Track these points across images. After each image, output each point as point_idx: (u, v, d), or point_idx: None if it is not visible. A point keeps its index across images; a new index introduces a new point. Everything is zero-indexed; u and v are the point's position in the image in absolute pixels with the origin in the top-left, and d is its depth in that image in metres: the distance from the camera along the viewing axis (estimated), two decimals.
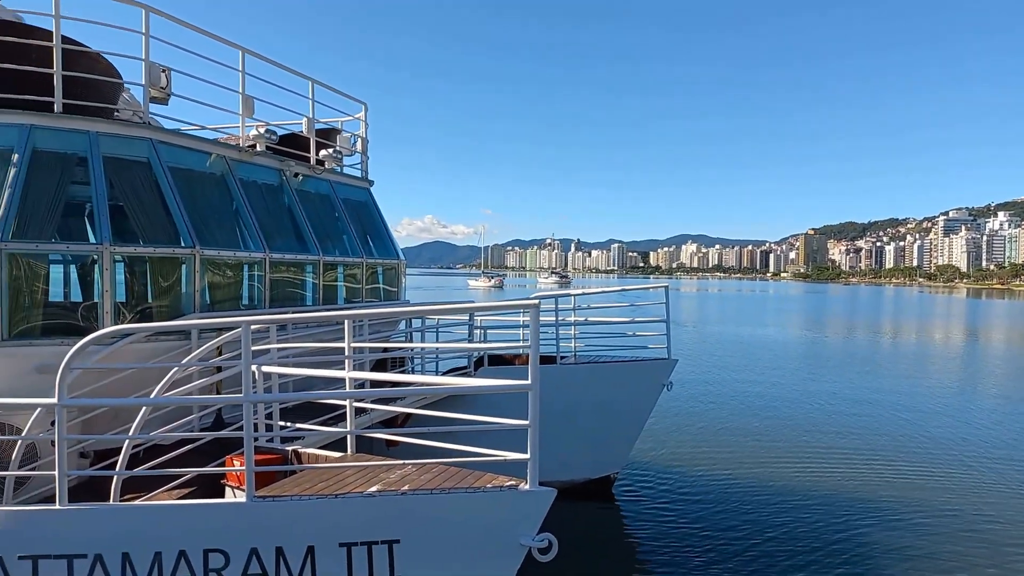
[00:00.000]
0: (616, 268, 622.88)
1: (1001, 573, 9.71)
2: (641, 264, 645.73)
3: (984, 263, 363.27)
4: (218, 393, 7.70)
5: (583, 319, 13.72)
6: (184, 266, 8.33)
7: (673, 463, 14.82)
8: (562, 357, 12.48)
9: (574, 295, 13.51)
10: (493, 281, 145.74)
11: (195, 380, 6.92)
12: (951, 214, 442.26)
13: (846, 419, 19.78)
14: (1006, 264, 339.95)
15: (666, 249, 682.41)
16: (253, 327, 5.65)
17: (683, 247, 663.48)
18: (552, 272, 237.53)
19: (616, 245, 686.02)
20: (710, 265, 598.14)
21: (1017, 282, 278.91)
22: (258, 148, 10.16)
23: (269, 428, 7.31)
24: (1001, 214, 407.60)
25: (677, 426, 18.24)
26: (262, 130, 10.24)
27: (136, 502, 5.51)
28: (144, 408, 5.86)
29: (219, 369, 7.23)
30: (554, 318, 12.49)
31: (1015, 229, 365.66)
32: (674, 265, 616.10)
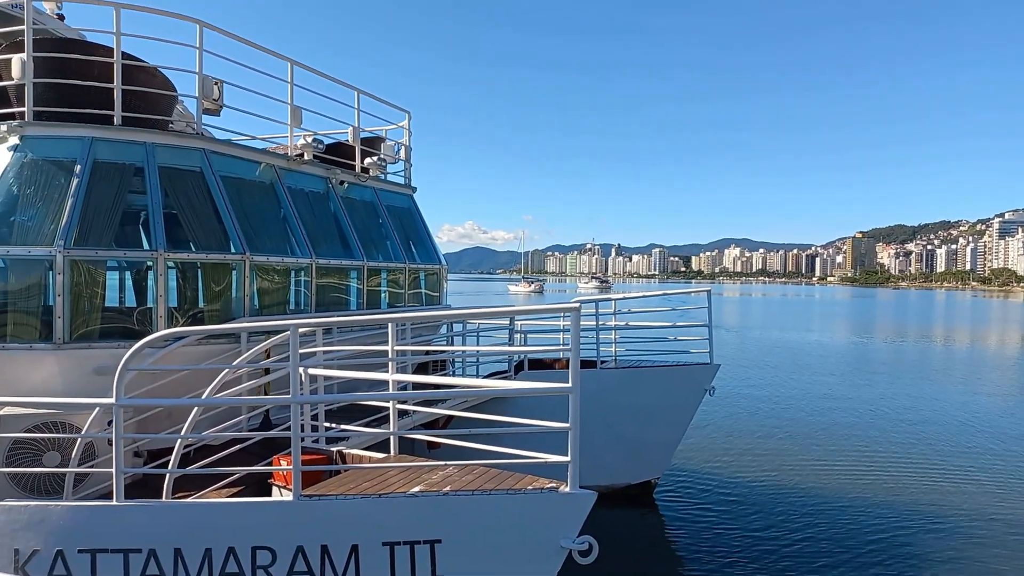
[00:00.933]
0: (657, 273, 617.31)
1: None
2: (683, 269, 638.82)
3: None
4: (266, 395, 7.92)
5: (624, 323, 13.69)
6: (234, 272, 8.59)
7: (715, 469, 14.67)
8: (602, 362, 12.48)
9: (614, 299, 13.48)
10: (533, 286, 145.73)
11: (244, 382, 7.14)
12: (1007, 216, 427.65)
13: (894, 426, 19.31)
14: None
15: (708, 253, 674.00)
16: (300, 330, 5.82)
17: (726, 251, 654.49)
18: (592, 277, 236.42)
19: (657, 250, 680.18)
20: (754, 270, 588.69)
21: None
22: (305, 157, 10.43)
23: (315, 429, 7.50)
24: None
25: (720, 432, 18.03)
26: (309, 139, 10.51)
27: (187, 500, 5.71)
28: (196, 409, 6.07)
29: (267, 371, 7.44)
30: (594, 322, 12.51)
31: None
32: (716, 270, 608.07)
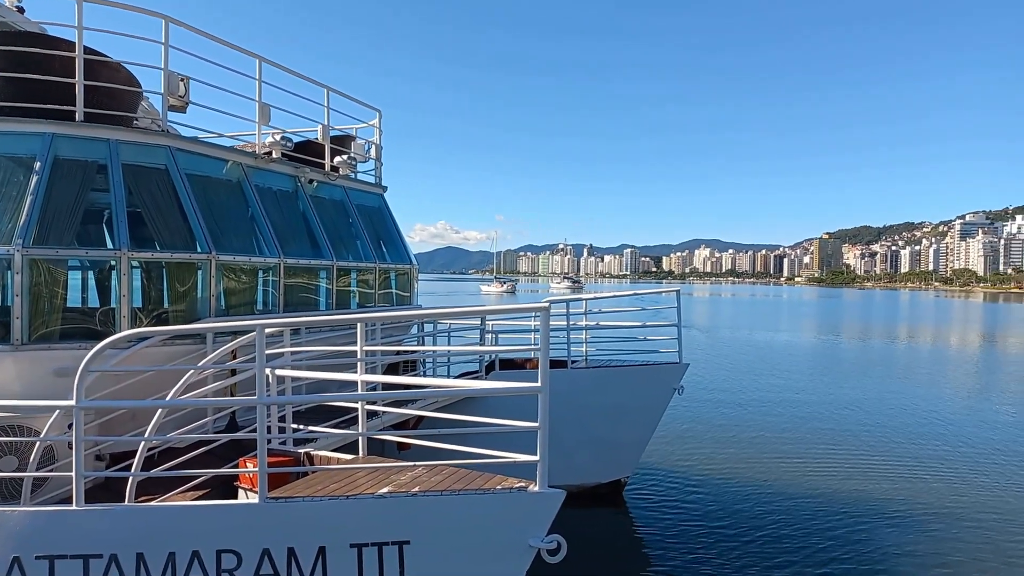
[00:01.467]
0: (629, 273, 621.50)
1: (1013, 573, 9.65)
2: (654, 269, 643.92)
3: (1002, 267, 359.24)
4: (232, 396, 7.81)
5: (594, 323, 13.76)
6: (200, 271, 8.46)
7: (684, 468, 14.81)
8: (573, 361, 12.53)
9: (585, 299, 13.54)
10: (505, 286, 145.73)
11: (210, 383, 7.04)
12: (968, 217, 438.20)
13: (861, 423, 19.67)
14: None
15: (679, 254, 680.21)
16: (267, 330, 5.75)
17: (696, 252, 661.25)
18: (564, 277, 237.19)
19: (629, 250, 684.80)
20: (723, 270, 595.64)
21: None
22: (274, 155, 10.31)
23: (282, 431, 7.42)
24: (1019, 217, 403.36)
25: (689, 430, 18.21)
26: (278, 137, 10.39)
27: (150, 503, 5.61)
28: (159, 411, 5.97)
29: (233, 372, 7.34)
30: (565, 322, 12.55)
31: None
32: (687, 270, 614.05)
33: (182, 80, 9.03)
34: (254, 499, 5.23)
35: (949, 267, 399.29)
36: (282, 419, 7.52)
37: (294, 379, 7.83)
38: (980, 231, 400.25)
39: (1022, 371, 33.89)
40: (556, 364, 12.18)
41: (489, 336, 12.70)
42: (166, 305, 8.45)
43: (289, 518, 5.12)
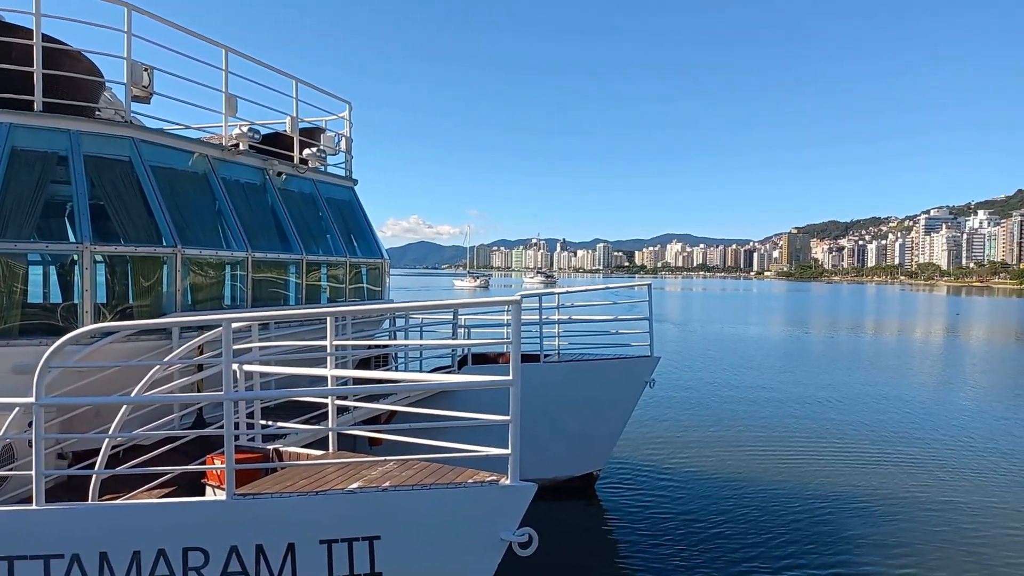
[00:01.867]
0: (602, 268, 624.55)
1: (972, 557, 9.87)
2: (627, 264, 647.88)
3: (964, 261, 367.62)
4: (199, 392, 7.68)
5: (567, 317, 13.79)
6: (165, 266, 8.30)
7: (656, 460, 14.93)
8: (546, 355, 12.55)
9: (558, 293, 13.56)
10: (479, 281, 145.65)
11: (176, 379, 6.91)
12: (932, 213, 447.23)
13: (827, 415, 19.99)
14: (985, 262, 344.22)
15: (651, 249, 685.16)
16: (235, 325, 5.66)
17: (668, 246, 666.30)
18: (538, 272, 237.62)
19: (602, 245, 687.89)
20: (695, 264, 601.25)
21: (996, 279, 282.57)
22: (241, 147, 10.14)
23: (251, 427, 7.32)
24: (981, 212, 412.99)
25: (660, 423, 18.36)
26: (245, 129, 10.22)
27: (113, 502, 5.50)
28: (124, 408, 5.84)
29: (200, 368, 7.22)
30: (538, 317, 12.56)
31: (994, 227, 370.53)
32: (659, 264, 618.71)
33: (146, 70, 8.84)
34: (221, 496, 5.15)
35: (914, 261, 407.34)
36: (250, 415, 7.42)
37: (263, 375, 7.73)
38: (944, 226, 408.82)
39: (984, 362, 34.72)
40: (529, 358, 12.19)
41: (462, 331, 12.67)
42: (131, 300, 8.27)
43: (257, 515, 5.05)
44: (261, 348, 7.83)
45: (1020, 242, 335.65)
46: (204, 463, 6.13)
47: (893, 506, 12.16)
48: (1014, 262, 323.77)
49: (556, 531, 10.66)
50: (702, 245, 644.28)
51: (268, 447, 6.63)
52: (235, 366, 6.54)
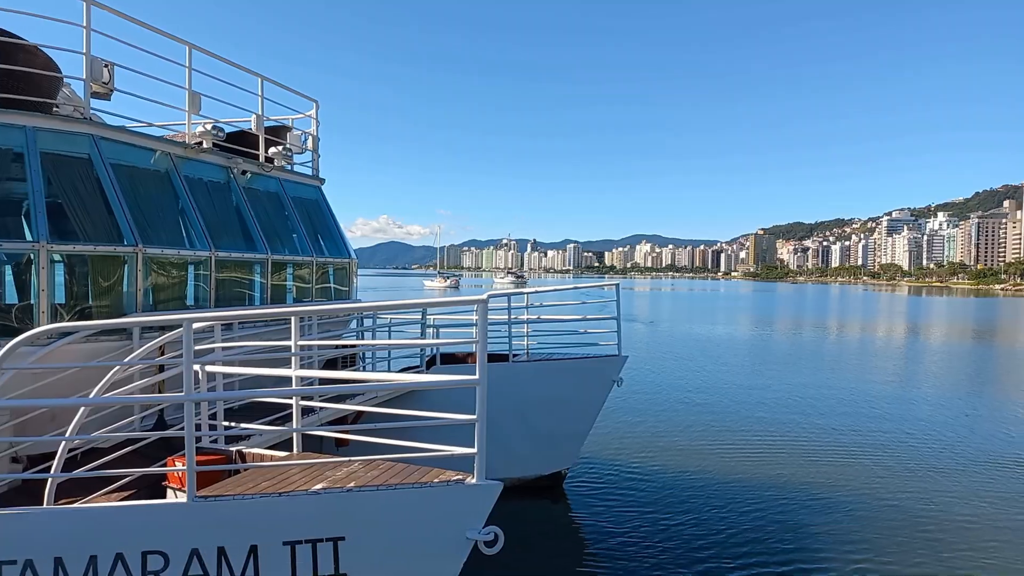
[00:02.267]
0: (572, 268, 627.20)
1: (932, 552, 10.12)
2: (596, 264, 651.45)
3: (924, 262, 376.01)
4: (160, 394, 7.56)
5: (536, 317, 13.83)
6: (126, 265, 8.15)
7: (623, 459, 15.03)
8: (515, 355, 12.57)
9: (527, 293, 13.59)
10: (449, 281, 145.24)
11: (137, 381, 6.79)
12: (894, 214, 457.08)
13: (790, 413, 20.32)
14: (944, 263, 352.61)
15: (621, 249, 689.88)
16: (197, 326, 5.58)
17: (637, 247, 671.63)
18: (508, 272, 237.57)
19: (572, 245, 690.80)
20: (664, 265, 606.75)
21: (955, 280, 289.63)
22: (205, 145, 10.00)
23: (214, 429, 7.22)
24: (940, 214, 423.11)
25: (627, 422, 18.49)
26: (209, 127, 10.08)
27: (70, 506, 5.38)
28: (81, 409, 5.73)
29: (161, 369, 7.10)
30: (507, 316, 12.58)
31: (953, 229, 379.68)
32: (629, 265, 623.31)
33: (106, 66, 8.66)
34: (182, 499, 5.07)
35: (877, 262, 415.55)
36: (214, 417, 7.32)
37: (226, 376, 7.63)
38: (905, 227, 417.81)
39: (943, 360, 35.56)
40: (498, 358, 12.20)
41: (431, 331, 12.64)
42: (90, 300, 8.10)
43: (218, 517, 4.99)
44: (224, 348, 7.72)
45: (977, 243, 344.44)
46: (165, 465, 6.03)
47: (853, 499, 12.41)
48: (971, 263, 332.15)
49: (523, 530, 10.70)
50: (671, 246, 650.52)
51: (231, 449, 6.54)
52: (197, 367, 6.45)
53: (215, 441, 6.97)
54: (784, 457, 15.47)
